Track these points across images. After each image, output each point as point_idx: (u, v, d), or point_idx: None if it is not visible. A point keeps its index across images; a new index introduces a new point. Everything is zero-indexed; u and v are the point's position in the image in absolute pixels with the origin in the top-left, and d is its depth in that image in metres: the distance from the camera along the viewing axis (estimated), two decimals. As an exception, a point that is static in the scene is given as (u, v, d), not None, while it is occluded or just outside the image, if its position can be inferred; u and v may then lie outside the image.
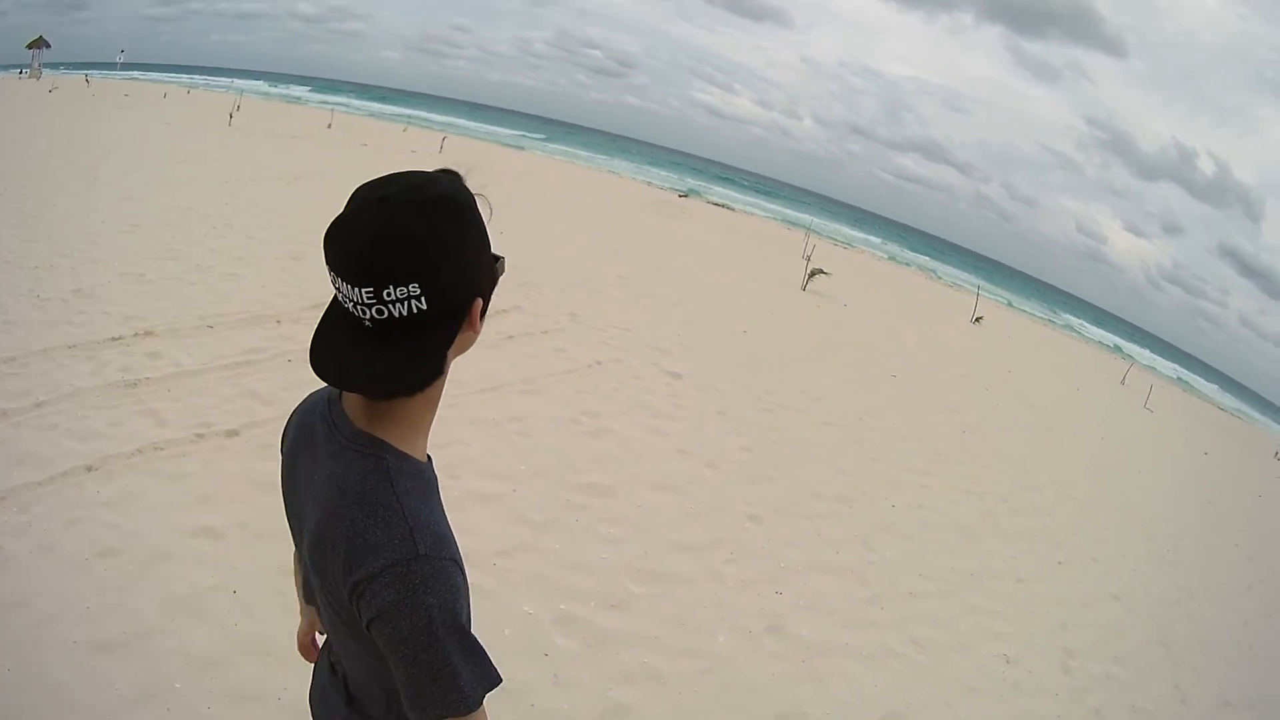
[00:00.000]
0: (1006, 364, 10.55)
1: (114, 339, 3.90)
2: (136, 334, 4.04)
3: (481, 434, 3.71)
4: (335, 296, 0.64)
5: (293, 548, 0.88)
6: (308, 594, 0.83)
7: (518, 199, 12.52)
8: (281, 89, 45.59)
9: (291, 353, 4.22)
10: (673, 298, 7.64)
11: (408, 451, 0.69)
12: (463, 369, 4.15)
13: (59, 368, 3.42)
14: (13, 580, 2.06)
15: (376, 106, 41.93)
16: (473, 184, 0.72)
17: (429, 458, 0.74)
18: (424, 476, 0.70)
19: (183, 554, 2.38)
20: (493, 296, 0.73)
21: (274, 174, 10.49)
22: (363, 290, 0.60)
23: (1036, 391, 9.19)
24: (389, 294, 0.60)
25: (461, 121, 43.23)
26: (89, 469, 2.73)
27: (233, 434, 3.22)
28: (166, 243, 5.92)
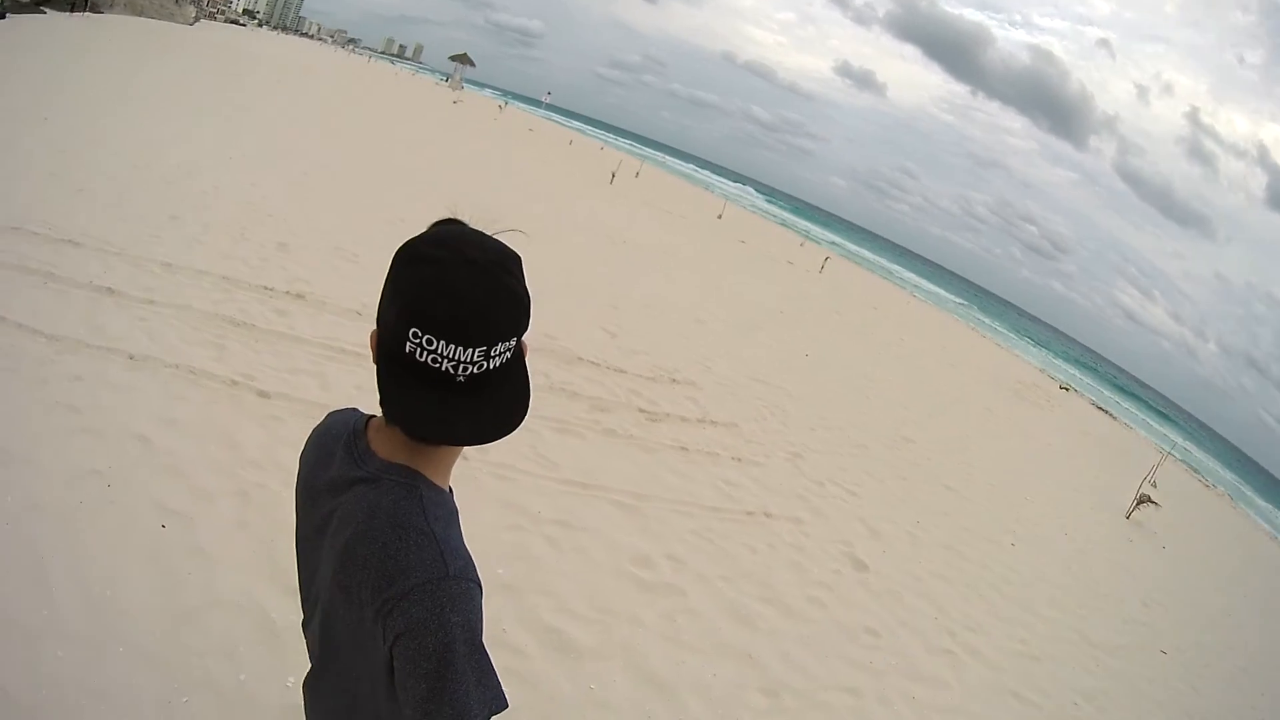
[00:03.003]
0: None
1: (266, 288, 5.95)
2: (289, 293, 6.04)
3: (504, 517, 4.28)
4: (405, 358, 0.94)
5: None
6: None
7: (869, 340, 15.51)
8: (694, 170, 61.35)
9: None
10: (950, 479, 8.46)
11: (437, 482, 1.06)
12: (571, 455, 5.24)
13: (195, 286, 5.53)
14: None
15: (792, 218, 54.96)
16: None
17: (450, 489, 1.12)
18: (449, 506, 1.07)
19: (111, 439, 3.63)
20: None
21: (607, 234, 15.11)
22: (475, 350, 0.93)
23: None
24: (495, 350, 0.95)
25: (894, 266, 59.01)
26: (130, 357, 4.36)
27: (263, 395, 4.54)
28: (386, 244, 8.61)
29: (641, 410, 6.52)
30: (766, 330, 12.09)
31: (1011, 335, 50.95)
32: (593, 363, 7.17)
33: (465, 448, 1.08)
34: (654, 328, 9.28)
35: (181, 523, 3.26)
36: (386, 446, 1.05)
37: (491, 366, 0.95)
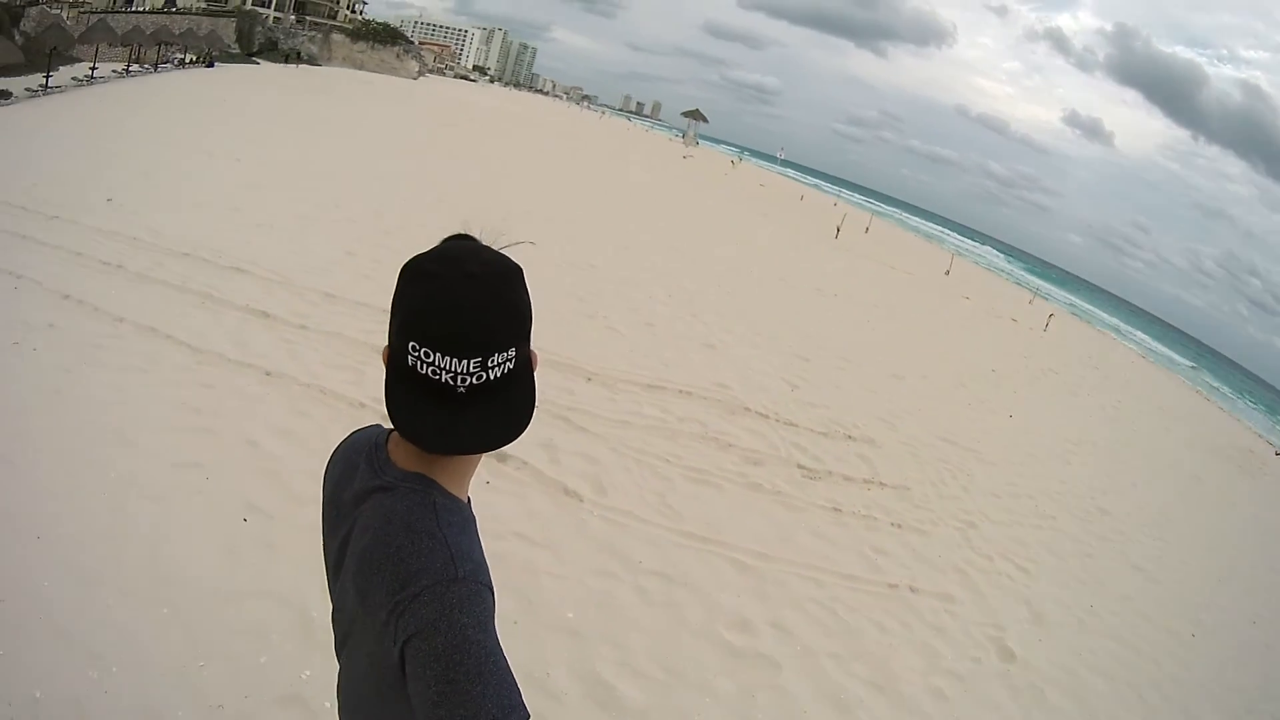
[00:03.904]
0: None
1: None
2: None
3: (597, 562, 4.43)
4: (408, 371, 1.08)
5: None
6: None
7: (1082, 402, 14.95)
8: (933, 228, 62.99)
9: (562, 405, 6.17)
10: (1141, 557, 8.05)
11: (453, 492, 1.20)
12: (700, 507, 5.40)
13: (351, 316, 6.46)
14: (144, 382, 4.58)
15: (1027, 276, 55.15)
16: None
17: (469, 499, 1.27)
18: (464, 514, 1.20)
19: (223, 440, 4.37)
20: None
21: (817, 286, 15.62)
22: (470, 362, 1.06)
23: None
24: (493, 360, 1.08)
25: (1126, 327, 59.90)
26: (267, 373, 5.21)
27: (387, 419, 5.12)
28: (572, 289, 9.24)
29: (800, 466, 6.49)
30: (971, 389, 11.64)
31: (1236, 398, 49.44)
32: (760, 414, 7.25)
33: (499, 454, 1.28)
34: (843, 381, 9.23)
35: (263, 519, 3.82)
36: (404, 457, 1.20)
37: (491, 377, 1.07)
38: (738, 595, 4.56)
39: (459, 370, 1.04)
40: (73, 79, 22.49)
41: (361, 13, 67.06)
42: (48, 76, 21.35)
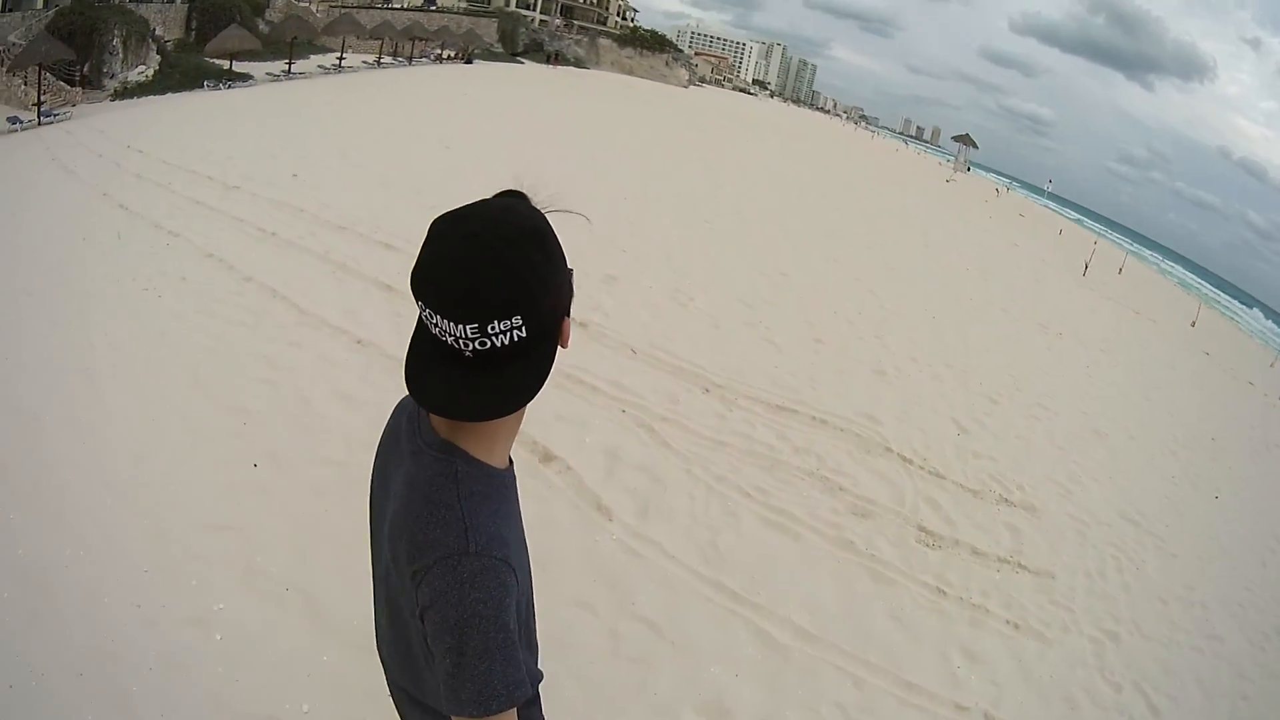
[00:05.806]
0: None
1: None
2: (579, 322, 7.13)
3: (577, 590, 4.03)
4: (423, 328, 1.17)
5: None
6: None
7: None
8: (1186, 274, 63.01)
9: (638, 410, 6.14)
10: None
11: (483, 458, 1.27)
12: (753, 556, 4.75)
13: None
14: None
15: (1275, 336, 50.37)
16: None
17: (511, 462, 1.36)
18: (495, 482, 1.28)
19: (281, 392, 5.06)
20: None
21: (1042, 322, 14.46)
22: (467, 327, 1.10)
23: None
24: (493, 328, 1.10)
25: None
26: (359, 341, 5.95)
27: None
28: (744, 295, 9.24)
29: (921, 528, 5.51)
30: (1181, 458, 9.49)
31: None
32: (902, 457, 6.39)
33: (524, 425, 1.32)
34: (1030, 431, 8.03)
35: (274, 468, 4.36)
36: (438, 421, 1.26)
37: (497, 344, 1.10)
38: (736, 674, 3.81)
39: (458, 334, 1.07)
40: (319, 67, 25.50)
41: (632, 20, 70.47)
42: (289, 64, 24.38)
